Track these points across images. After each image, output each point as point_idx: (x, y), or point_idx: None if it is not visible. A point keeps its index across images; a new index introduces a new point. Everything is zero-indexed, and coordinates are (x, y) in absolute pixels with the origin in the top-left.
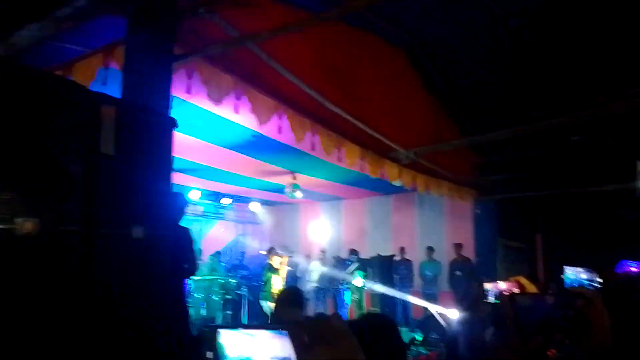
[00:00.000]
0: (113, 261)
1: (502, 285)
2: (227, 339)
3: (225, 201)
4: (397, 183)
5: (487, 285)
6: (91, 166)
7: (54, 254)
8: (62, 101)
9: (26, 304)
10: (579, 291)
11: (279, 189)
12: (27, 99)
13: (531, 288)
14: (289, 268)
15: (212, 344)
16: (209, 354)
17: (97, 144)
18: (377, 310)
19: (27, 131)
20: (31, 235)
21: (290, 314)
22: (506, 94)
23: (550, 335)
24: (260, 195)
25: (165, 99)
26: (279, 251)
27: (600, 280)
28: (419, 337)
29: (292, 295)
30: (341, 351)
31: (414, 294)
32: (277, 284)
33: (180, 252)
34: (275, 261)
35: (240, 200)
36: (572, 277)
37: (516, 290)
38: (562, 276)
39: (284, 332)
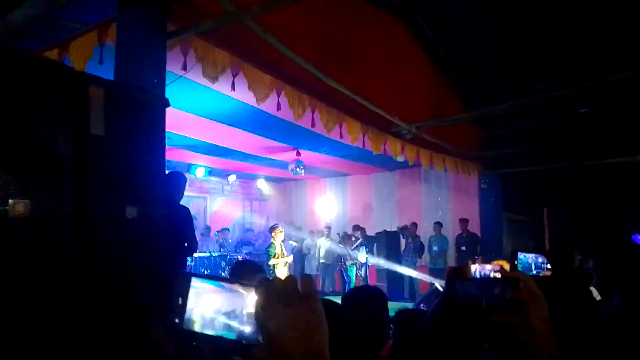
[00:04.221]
0: (107, 241)
1: (488, 266)
2: (197, 288)
3: (231, 178)
4: (400, 158)
5: (472, 266)
6: (81, 147)
7: (47, 235)
8: (48, 83)
9: (20, 286)
10: (514, 275)
11: (284, 166)
12: (14, 82)
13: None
14: (295, 243)
15: (183, 290)
16: (179, 300)
17: (87, 125)
18: (383, 285)
19: (16, 114)
20: (24, 216)
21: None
22: (511, 64)
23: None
24: (266, 172)
25: (160, 76)
26: (281, 228)
27: (549, 267)
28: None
29: (248, 266)
30: (298, 314)
31: (422, 269)
32: (278, 260)
33: (180, 231)
34: (277, 238)
35: (247, 177)
36: (528, 261)
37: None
38: (515, 262)
39: (249, 288)
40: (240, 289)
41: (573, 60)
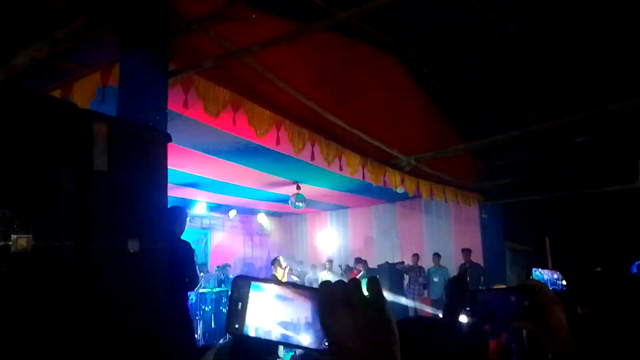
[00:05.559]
0: (109, 275)
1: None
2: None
3: (232, 213)
4: (400, 190)
5: None
6: (84, 182)
7: (49, 269)
8: (53, 120)
9: (22, 320)
10: (531, 283)
11: (284, 200)
12: (20, 119)
13: None
14: (296, 278)
15: (243, 295)
16: (238, 304)
17: (90, 161)
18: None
19: (20, 149)
20: (26, 251)
21: None
22: (505, 97)
23: (506, 323)
24: (266, 207)
25: (161, 114)
26: (282, 262)
27: (564, 283)
28: None
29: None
30: (367, 317)
31: (425, 301)
32: None
33: (180, 266)
34: (279, 272)
35: (247, 212)
36: (543, 277)
37: None
38: (530, 277)
39: (309, 295)
40: (298, 296)
41: (566, 91)
